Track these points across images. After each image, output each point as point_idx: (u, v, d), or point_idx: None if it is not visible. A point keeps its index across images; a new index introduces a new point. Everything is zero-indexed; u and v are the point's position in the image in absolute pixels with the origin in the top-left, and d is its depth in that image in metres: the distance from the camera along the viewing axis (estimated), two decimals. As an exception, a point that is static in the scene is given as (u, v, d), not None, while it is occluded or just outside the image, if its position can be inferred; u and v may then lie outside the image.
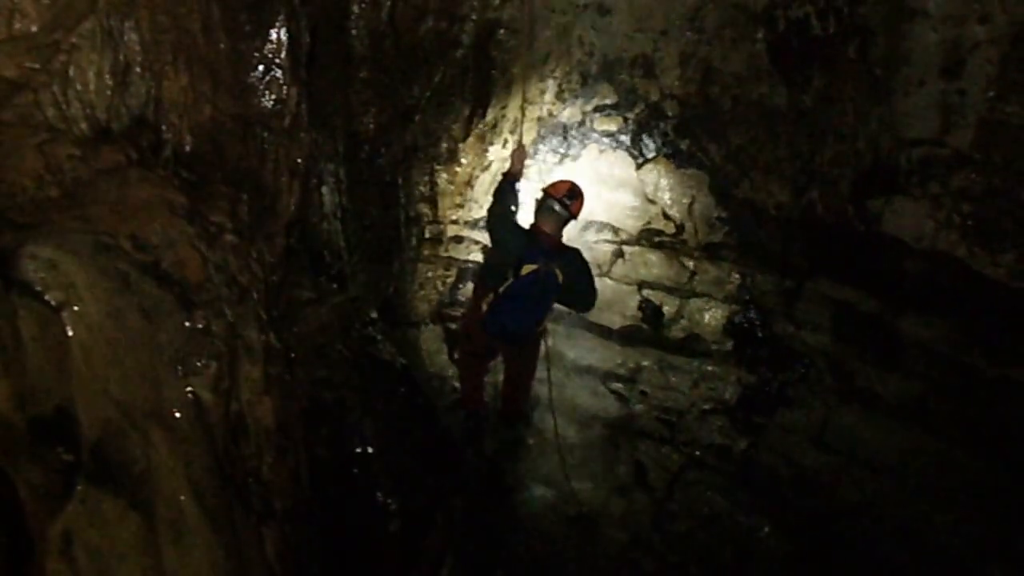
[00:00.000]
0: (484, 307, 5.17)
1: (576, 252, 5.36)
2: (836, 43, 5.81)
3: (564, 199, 5.15)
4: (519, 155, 5.41)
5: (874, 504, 5.22)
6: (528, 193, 5.46)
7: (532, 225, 5.25)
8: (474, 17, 6.04)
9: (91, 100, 3.02)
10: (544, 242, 5.14)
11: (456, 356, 6.33)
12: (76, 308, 2.31)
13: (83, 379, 2.27)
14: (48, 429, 2.11)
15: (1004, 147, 4.78)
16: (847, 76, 5.75)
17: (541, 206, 5.23)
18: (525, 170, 5.48)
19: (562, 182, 5.30)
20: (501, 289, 5.04)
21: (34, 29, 2.81)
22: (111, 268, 2.52)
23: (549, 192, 5.23)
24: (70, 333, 2.28)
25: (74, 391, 2.24)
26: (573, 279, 5.17)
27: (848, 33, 5.68)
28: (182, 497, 2.48)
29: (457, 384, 6.16)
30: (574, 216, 5.30)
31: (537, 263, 4.98)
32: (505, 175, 5.30)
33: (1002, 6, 4.67)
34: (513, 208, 5.23)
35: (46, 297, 2.26)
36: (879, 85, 5.46)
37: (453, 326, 6.59)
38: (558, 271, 5.08)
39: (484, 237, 6.96)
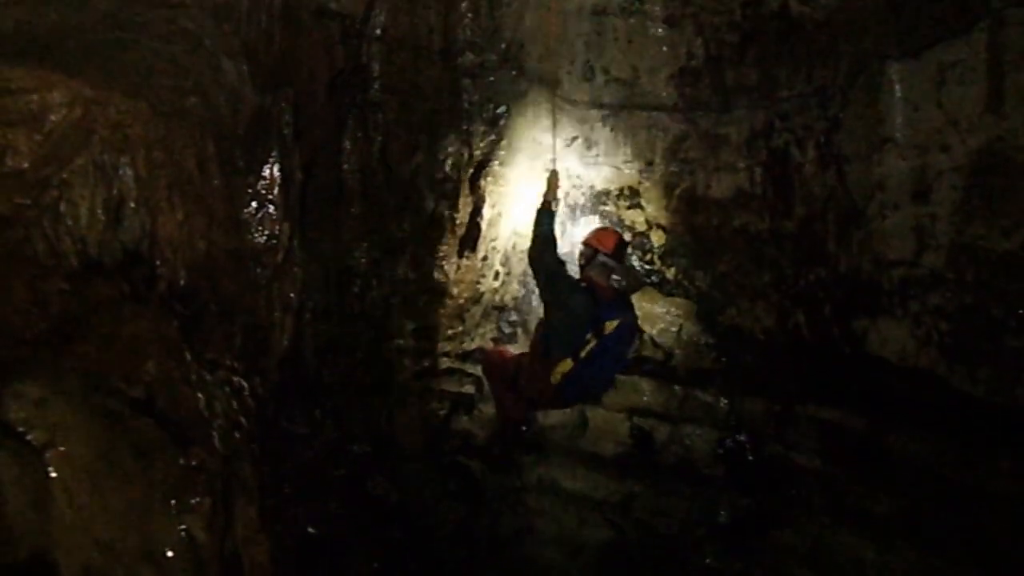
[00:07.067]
0: (558, 377, 4.96)
1: (625, 292, 5.41)
2: (815, 170, 5.94)
3: (616, 254, 5.12)
4: (554, 180, 5.40)
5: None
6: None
7: (584, 279, 5.13)
8: (464, 151, 6.15)
9: (83, 235, 3.03)
10: (607, 295, 5.04)
11: (493, 389, 6.08)
12: (61, 448, 2.27)
13: (65, 520, 2.23)
14: (23, 576, 2.03)
15: (974, 267, 4.86)
16: (827, 201, 5.86)
17: (590, 261, 5.14)
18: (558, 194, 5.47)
19: (605, 234, 5.26)
20: (583, 353, 4.88)
21: (25, 165, 2.83)
22: (102, 407, 2.48)
23: (595, 247, 5.14)
24: (53, 474, 2.22)
25: (55, 533, 2.18)
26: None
27: (826, 160, 5.83)
28: (170, 640, 2.38)
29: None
30: (622, 263, 5.30)
31: (618, 318, 4.90)
32: (542, 203, 5.25)
33: (960, 137, 4.84)
34: (551, 237, 5.13)
35: (28, 438, 2.21)
36: (857, 209, 5.58)
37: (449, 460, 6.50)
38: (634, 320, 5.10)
39: (477, 369, 6.91)
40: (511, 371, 5.49)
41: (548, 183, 5.41)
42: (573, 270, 5.41)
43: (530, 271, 6.73)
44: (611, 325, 4.86)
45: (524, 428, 5.84)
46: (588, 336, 4.86)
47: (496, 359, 5.80)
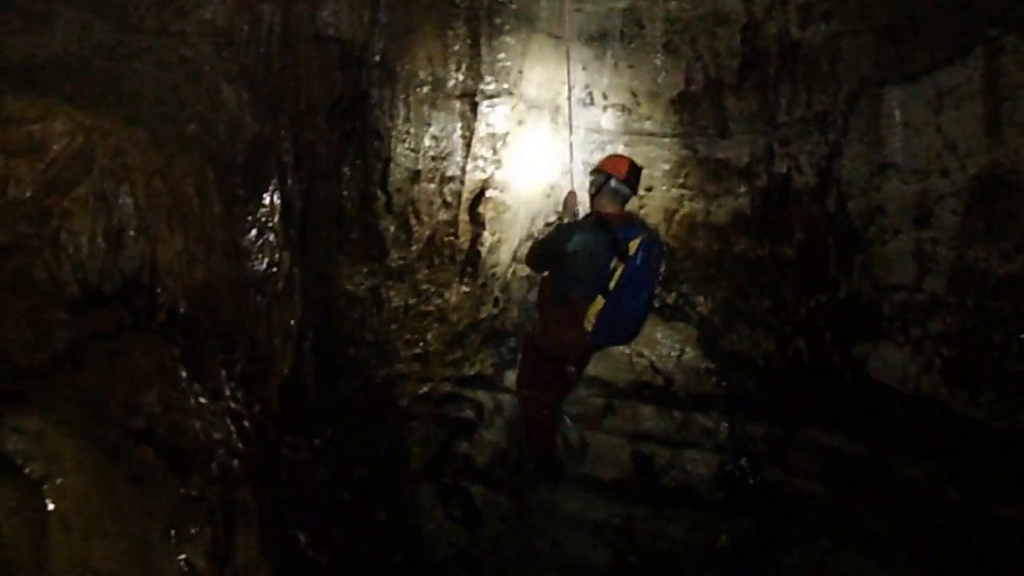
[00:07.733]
0: (592, 321, 4.67)
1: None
2: (816, 195, 5.95)
3: (629, 177, 4.84)
4: (571, 199, 5.21)
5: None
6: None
7: (593, 211, 4.89)
8: (463, 178, 6.17)
9: (83, 263, 3.02)
10: (620, 221, 4.74)
11: (525, 397, 5.72)
12: (59, 481, 2.25)
13: (62, 554, 2.20)
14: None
15: (975, 291, 4.85)
16: (827, 226, 5.86)
17: (601, 189, 4.85)
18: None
19: (619, 159, 4.98)
20: (613, 284, 4.57)
21: (28, 195, 2.83)
22: (101, 438, 2.46)
23: (608, 171, 4.85)
24: (50, 507, 2.20)
25: (52, 567, 2.16)
26: None
27: (827, 185, 5.84)
28: (171, 674, 2.36)
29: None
30: (635, 192, 4.99)
31: (639, 236, 4.59)
32: (557, 218, 5.05)
33: (959, 162, 4.86)
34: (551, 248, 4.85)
35: (26, 471, 2.20)
36: (857, 234, 5.58)
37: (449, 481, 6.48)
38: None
39: (477, 394, 6.90)
40: (535, 361, 5.23)
41: (565, 203, 5.27)
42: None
43: (530, 292, 6.74)
44: (634, 244, 4.57)
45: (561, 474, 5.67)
46: (613, 264, 4.59)
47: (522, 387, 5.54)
